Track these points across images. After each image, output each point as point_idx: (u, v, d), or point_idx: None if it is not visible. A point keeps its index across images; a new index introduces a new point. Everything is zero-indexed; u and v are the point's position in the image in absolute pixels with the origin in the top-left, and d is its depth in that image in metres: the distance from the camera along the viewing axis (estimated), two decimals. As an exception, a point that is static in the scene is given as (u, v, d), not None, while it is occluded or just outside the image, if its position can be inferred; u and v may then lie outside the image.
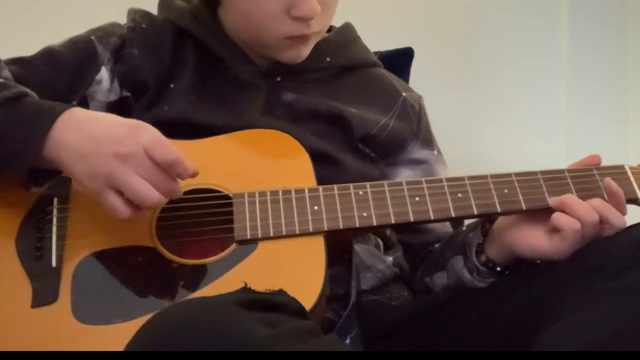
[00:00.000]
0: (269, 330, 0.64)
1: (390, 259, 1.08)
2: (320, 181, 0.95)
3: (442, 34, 1.58)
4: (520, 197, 0.92)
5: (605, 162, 0.98)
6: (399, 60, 1.29)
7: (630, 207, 0.95)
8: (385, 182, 0.93)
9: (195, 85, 1.06)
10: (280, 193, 0.91)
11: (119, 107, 1.06)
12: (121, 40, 1.06)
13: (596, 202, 0.90)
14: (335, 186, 0.92)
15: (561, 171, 0.94)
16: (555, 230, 0.90)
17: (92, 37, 1.06)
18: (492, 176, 0.94)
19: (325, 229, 0.89)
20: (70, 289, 0.85)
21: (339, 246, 0.97)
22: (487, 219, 0.99)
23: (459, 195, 0.92)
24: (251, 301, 0.69)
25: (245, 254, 0.87)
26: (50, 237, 0.89)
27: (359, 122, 1.08)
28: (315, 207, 0.90)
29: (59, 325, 0.82)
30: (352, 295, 0.96)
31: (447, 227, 1.13)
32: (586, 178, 0.94)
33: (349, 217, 0.90)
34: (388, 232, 1.11)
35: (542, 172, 0.94)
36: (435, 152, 1.17)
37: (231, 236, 0.89)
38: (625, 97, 1.57)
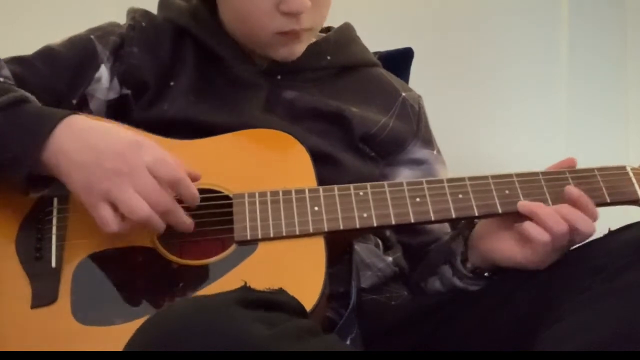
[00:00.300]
0: (268, 329, 0.64)
1: (390, 259, 1.08)
2: (321, 181, 0.94)
3: (442, 34, 1.58)
4: (522, 198, 0.91)
5: (605, 162, 0.97)
6: (399, 61, 1.29)
7: (631, 208, 0.94)
8: (385, 183, 0.93)
9: (195, 84, 1.06)
10: (281, 193, 0.91)
11: (118, 105, 1.06)
12: (120, 39, 1.06)
13: (565, 209, 0.88)
14: (335, 187, 0.92)
15: (562, 172, 0.93)
16: (527, 239, 0.89)
17: (92, 37, 1.06)
18: (493, 177, 0.93)
19: (326, 229, 0.89)
20: (70, 289, 0.85)
21: (339, 246, 0.97)
22: (466, 226, 0.98)
23: (460, 196, 0.92)
24: (251, 300, 0.69)
25: (245, 255, 0.87)
26: (50, 238, 0.89)
27: (359, 121, 1.08)
28: (316, 208, 0.90)
29: (59, 326, 0.82)
30: (352, 296, 0.96)
31: (446, 227, 1.13)
32: (588, 179, 0.93)
33: (349, 218, 0.90)
34: (387, 232, 1.11)
35: (544, 173, 0.93)
36: (435, 152, 1.17)
37: (231, 236, 0.89)
38: (625, 96, 1.57)
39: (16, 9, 1.48)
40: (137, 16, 1.09)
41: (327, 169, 1.00)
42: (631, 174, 0.94)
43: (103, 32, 1.07)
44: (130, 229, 0.85)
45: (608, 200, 0.92)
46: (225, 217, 0.90)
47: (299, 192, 0.91)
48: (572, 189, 0.90)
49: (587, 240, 0.90)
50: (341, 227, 0.89)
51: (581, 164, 0.97)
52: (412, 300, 1.09)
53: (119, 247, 0.88)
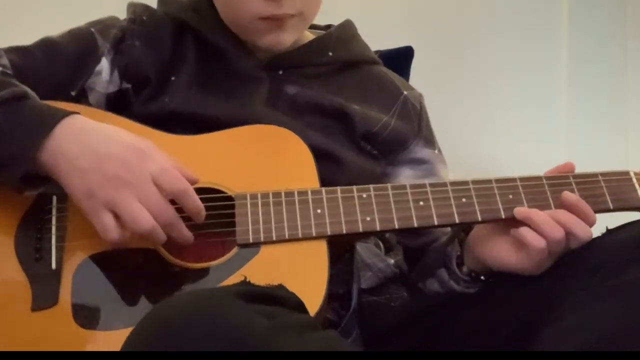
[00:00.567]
0: (268, 321, 0.64)
1: (392, 261, 1.08)
2: (322, 178, 0.94)
3: (442, 33, 1.58)
4: (525, 204, 0.91)
5: (604, 161, 0.97)
6: (399, 60, 1.29)
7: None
8: (389, 185, 0.92)
9: (197, 78, 1.05)
10: (283, 195, 0.90)
11: (117, 99, 1.05)
12: (121, 33, 1.05)
13: (561, 214, 0.88)
14: (338, 188, 0.91)
15: (566, 177, 0.93)
16: (523, 244, 0.89)
17: (92, 30, 1.05)
18: (497, 180, 0.92)
19: (329, 233, 0.88)
20: (70, 292, 0.84)
21: (341, 247, 0.97)
22: (463, 230, 0.98)
23: (463, 200, 0.91)
24: (251, 294, 0.68)
25: (247, 258, 0.86)
26: (50, 238, 0.88)
27: (361, 119, 1.07)
28: (319, 211, 0.89)
29: (60, 330, 0.81)
30: (353, 298, 0.96)
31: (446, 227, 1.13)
32: (591, 184, 0.92)
33: (352, 222, 0.89)
34: (387, 233, 1.11)
35: (547, 178, 0.93)
36: (436, 152, 1.16)
37: (233, 239, 0.88)
38: (625, 96, 1.57)
39: (15, 4, 1.47)
40: (138, 10, 1.08)
41: (328, 166, 1.00)
42: (634, 180, 0.93)
43: (103, 25, 1.06)
44: (130, 238, 0.84)
45: (611, 207, 0.91)
46: (227, 219, 0.89)
47: (302, 193, 0.90)
48: (569, 195, 0.89)
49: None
50: (344, 231, 0.89)
51: (581, 164, 0.96)
52: (411, 301, 1.09)
53: (119, 249, 0.87)
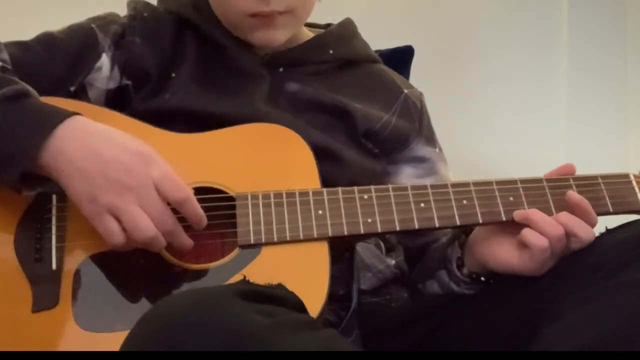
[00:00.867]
0: (268, 319, 0.64)
1: (393, 262, 1.08)
2: (323, 177, 0.94)
3: (442, 33, 1.58)
4: (526, 206, 0.91)
5: (604, 164, 0.97)
6: (399, 59, 1.28)
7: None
8: (390, 186, 0.92)
9: (197, 75, 1.05)
10: (284, 196, 0.90)
11: (117, 95, 1.04)
12: (122, 29, 1.05)
13: (563, 216, 0.88)
14: (339, 189, 0.91)
15: (566, 179, 0.93)
16: (524, 245, 0.89)
17: (93, 25, 1.04)
18: (498, 182, 0.93)
19: (330, 234, 0.88)
20: (71, 293, 0.83)
21: (341, 247, 0.97)
22: (462, 231, 0.98)
23: (464, 202, 0.91)
24: (250, 293, 0.68)
25: (249, 259, 0.86)
26: (50, 238, 0.87)
27: (362, 117, 1.07)
28: (320, 212, 0.89)
29: (61, 331, 0.81)
30: (353, 299, 0.96)
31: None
32: (591, 187, 0.92)
33: (354, 223, 0.89)
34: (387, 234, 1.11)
35: (548, 180, 0.93)
36: (437, 150, 1.16)
37: (234, 239, 0.88)
38: (626, 101, 1.57)
39: (15, 3, 1.46)
40: (139, 7, 1.08)
41: (329, 164, 0.99)
42: (634, 183, 0.94)
43: (104, 21, 1.06)
44: (133, 241, 0.83)
45: (611, 210, 0.92)
46: (228, 220, 0.89)
47: (303, 194, 0.90)
48: (573, 194, 0.90)
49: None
50: (345, 233, 0.89)
51: (581, 165, 0.97)
52: (411, 302, 1.09)
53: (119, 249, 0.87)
